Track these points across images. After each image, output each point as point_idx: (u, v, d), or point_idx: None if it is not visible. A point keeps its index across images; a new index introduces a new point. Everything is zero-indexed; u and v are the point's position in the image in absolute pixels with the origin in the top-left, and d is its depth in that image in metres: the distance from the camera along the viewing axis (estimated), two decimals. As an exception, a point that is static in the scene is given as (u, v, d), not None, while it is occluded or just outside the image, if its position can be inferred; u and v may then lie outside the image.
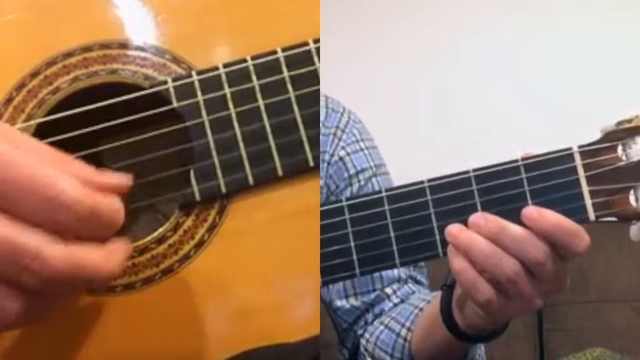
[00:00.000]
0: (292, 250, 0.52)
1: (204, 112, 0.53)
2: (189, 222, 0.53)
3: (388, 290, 0.83)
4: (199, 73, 0.54)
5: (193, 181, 0.53)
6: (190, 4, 0.58)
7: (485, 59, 1.98)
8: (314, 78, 0.55)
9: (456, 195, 0.54)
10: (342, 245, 0.55)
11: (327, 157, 0.86)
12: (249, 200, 0.53)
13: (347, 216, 0.55)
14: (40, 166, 0.41)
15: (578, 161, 0.53)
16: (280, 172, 0.53)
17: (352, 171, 0.86)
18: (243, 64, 0.54)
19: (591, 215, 0.53)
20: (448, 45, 2.00)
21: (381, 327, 0.80)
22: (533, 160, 0.54)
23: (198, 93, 0.54)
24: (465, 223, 0.54)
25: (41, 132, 0.53)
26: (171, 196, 0.53)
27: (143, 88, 0.54)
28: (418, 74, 2.01)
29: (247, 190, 0.53)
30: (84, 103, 0.53)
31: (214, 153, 0.53)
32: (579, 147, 0.54)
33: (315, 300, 0.52)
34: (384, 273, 0.83)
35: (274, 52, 0.55)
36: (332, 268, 0.55)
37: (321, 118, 0.86)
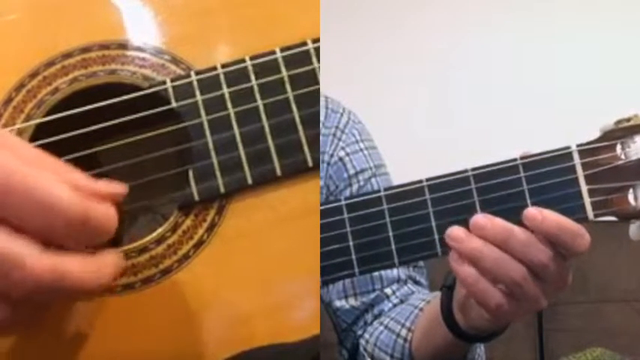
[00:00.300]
0: (292, 251, 0.52)
1: (202, 113, 0.53)
2: (188, 222, 0.53)
3: (388, 291, 0.83)
4: (198, 73, 0.54)
5: (192, 182, 0.53)
6: (190, 4, 0.58)
7: (485, 59, 1.99)
8: (313, 78, 0.54)
9: (454, 194, 0.54)
10: (340, 244, 0.55)
11: (326, 157, 0.86)
12: (248, 200, 0.53)
13: (345, 215, 0.55)
14: (35, 172, 0.41)
15: (577, 160, 0.53)
16: (279, 173, 0.53)
17: (352, 171, 0.86)
18: (242, 64, 0.54)
19: (590, 214, 0.53)
20: (448, 45, 2.00)
21: (381, 327, 0.80)
22: (532, 159, 0.54)
23: (197, 93, 0.54)
24: (464, 222, 0.53)
25: (40, 132, 0.53)
26: (170, 196, 0.53)
27: (142, 89, 0.54)
28: (418, 74, 2.01)
29: (246, 190, 0.53)
30: (83, 104, 0.53)
31: (213, 153, 0.53)
32: (578, 146, 0.53)
33: (315, 300, 0.52)
34: (383, 273, 0.83)
35: (273, 52, 0.55)
36: (331, 268, 0.55)
37: (321, 118, 0.86)
